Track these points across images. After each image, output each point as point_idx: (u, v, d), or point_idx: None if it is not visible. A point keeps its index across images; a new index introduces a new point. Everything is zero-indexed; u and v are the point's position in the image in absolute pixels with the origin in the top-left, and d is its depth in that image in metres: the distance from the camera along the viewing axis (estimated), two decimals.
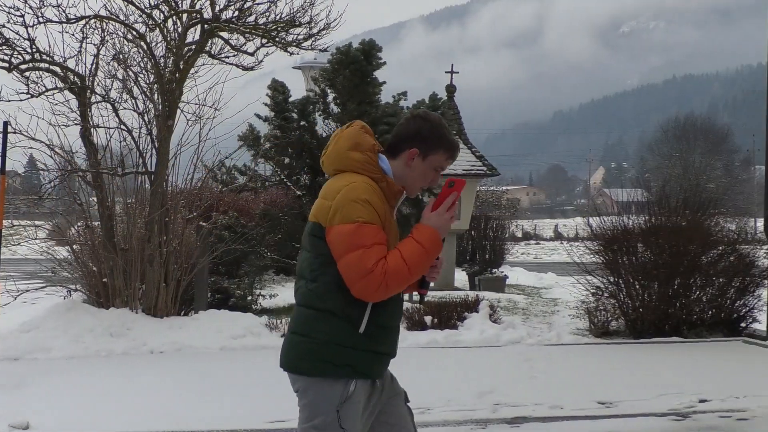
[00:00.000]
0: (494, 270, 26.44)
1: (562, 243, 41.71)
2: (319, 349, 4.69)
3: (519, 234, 65.98)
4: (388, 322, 4.77)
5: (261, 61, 16.02)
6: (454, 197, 4.74)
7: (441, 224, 4.70)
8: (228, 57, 15.84)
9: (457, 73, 27.01)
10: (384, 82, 19.56)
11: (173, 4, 15.21)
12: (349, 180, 4.74)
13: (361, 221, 4.61)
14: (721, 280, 15.36)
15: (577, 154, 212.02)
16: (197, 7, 15.37)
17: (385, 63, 19.69)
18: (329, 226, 4.66)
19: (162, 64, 15.13)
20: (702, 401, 9.65)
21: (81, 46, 14.70)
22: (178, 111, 15.22)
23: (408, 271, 4.60)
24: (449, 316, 14.80)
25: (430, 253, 4.66)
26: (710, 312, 15.28)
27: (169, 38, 15.16)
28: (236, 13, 15.45)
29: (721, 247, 15.67)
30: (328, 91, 19.55)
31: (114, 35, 15.13)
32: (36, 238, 15.44)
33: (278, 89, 19.53)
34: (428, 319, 14.72)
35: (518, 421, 8.83)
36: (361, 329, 4.66)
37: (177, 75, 15.01)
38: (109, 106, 15.06)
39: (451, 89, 26.31)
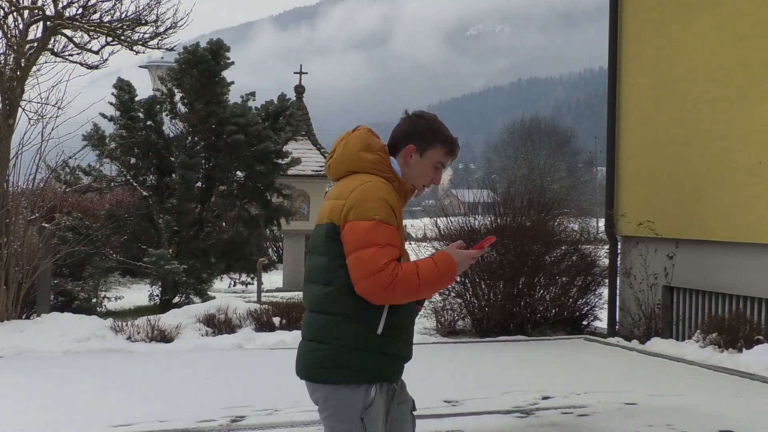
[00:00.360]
0: None
1: (410, 243, 41.92)
2: (338, 356, 4.61)
3: None
4: (403, 323, 4.71)
5: (106, 59, 15.80)
6: (482, 251, 4.82)
7: (461, 260, 4.68)
8: (72, 55, 15.57)
9: (306, 73, 27.05)
10: (232, 82, 19.41)
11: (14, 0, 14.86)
12: (363, 179, 4.71)
13: (378, 219, 4.58)
14: (564, 279, 15.73)
15: None
16: (39, 3, 15.05)
17: (233, 63, 19.54)
18: (343, 223, 4.62)
19: (2, 62, 14.77)
20: (545, 398, 9.86)
21: None
22: (20, 110, 14.87)
23: (418, 285, 4.56)
24: (298, 317, 14.79)
25: (443, 278, 4.63)
26: (553, 310, 15.63)
27: (9, 35, 14.80)
28: (80, 10, 15.20)
29: (564, 247, 16.04)
30: (176, 90, 19.32)
31: None
32: None
33: (124, 88, 19.20)
34: (277, 320, 14.68)
35: None
36: (378, 331, 4.60)
37: (18, 73, 14.68)
38: None
39: (300, 90, 26.31)
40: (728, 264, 13.80)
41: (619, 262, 16.17)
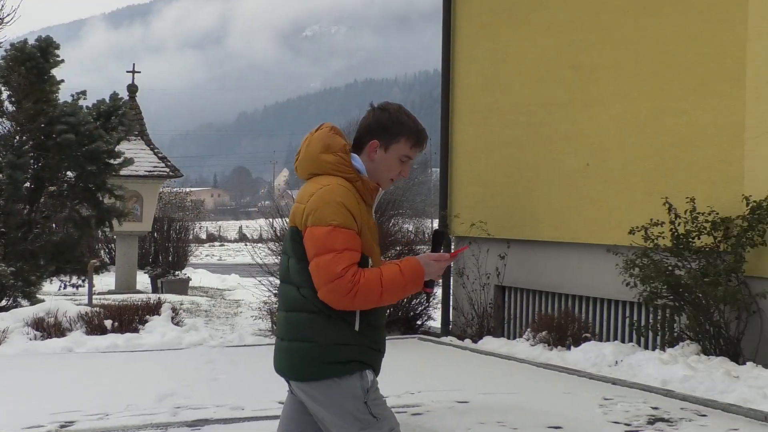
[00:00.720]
0: (177, 272, 26.28)
1: (246, 245, 41.85)
2: (324, 352, 4.59)
3: (203, 236, 65.62)
4: (377, 321, 4.69)
5: None
6: (454, 258, 4.75)
7: (428, 264, 4.63)
8: None
9: (139, 72, 26.68)
10: (62, 81, 18.99)
11: None
12: (323, 183, 4.66)
13: (335, 224, 4.54)
14: None
15: (261, 156, 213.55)
16: None
17: (63, 61, 19.11)
18: (304, 228, 4.60)
19: None
20: None
21: None
22: None
23: (381, 292, 4.53)
24: (130, 319, 14.54)
25: (408, 285, 4.59)
26: (388, 311, 15.73)
27: None
28: None
29: (398, 248, 16.15)
30: (3, 88, 18.80)
31: None
32: None
33: None
34: (108, 323, 14.41)
35: (199, 423, 8.78)
36: (356, 327, 4.59)
37: None
38: None
39: (132, 89, 25.93)
40: (557, 263, 14.13)
41: (452, 262, 16.37)
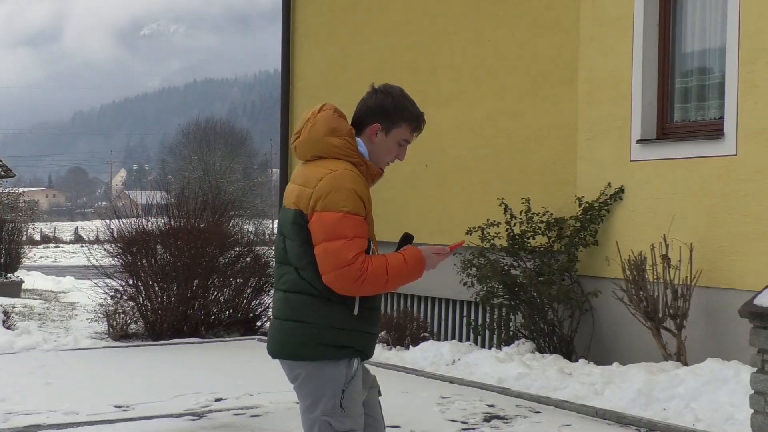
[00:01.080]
0: (10, 274, 25.56)
1: (82, 246, 41.04)
2: (321, 334, 4.63)
3: (37, 237, 64.02)
4: (375, 303, 4.76)
5: None
6: (450, 252, 4.83)
7: (429, 256, 4.73)
8: None
9: None
10: None
11: None
12: (331, 167, 4.66)
13: (345, 211, 4.56)
14: (238, 280, 15.73)
15: (98, 156, 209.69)
16: None
17: None
18: (311, 212, 4.61)
19: None
20: (218, 400, 9.82)
21: None
22: None
23: (386, 280, 4.60)
24: None
25: (411, 274, 4.66)
26: (228, 312, 15.60)
27: None
28: None
29: (238, 249, 16.05)
30: None
31: None
32: None
33: None
34: None
35: (32, 429, 8.53)
36: (355, 312, 4.65)
37: None
38: None
39: None
40: None
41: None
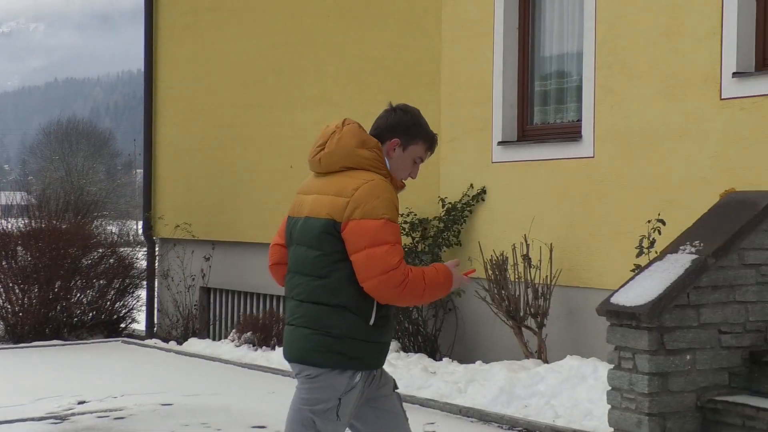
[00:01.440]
0: None
1: None
2: (335, 343, 4.70)
3: None
4: (389, 313, 4.83)
5: None
6: (466, 277, 4.93)
7: (456, 277, 4.82)
8: None
9: None
10: None
11: None
12: (365, 177, 4.75)
13: (386, 218, 4.65)
14: (101, 282, 15.49)
15: None
16: None
17: None
18: (346, 221, 4.65)
19: None
20: (81, 402, 9.64)
21: None
22: None
23: (423, 288, 4.69)
24: None
25: (441, 288, 4.76)
26: (91, 314, 15.34)
27: None
28: None
29: (101, 250, 15.80)
30: None
31: None
32: None
33: None
34: None
35: None
36: (371, 321, 4.70)
37: None
38: None
39: None
40: (261, 264, 14.12)
41: (157, 264, 16.20)
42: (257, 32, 14.38)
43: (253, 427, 8.61)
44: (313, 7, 13.55)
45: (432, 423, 8.72)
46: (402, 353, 11.28)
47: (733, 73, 8.81)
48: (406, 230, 11.64)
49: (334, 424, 4.79)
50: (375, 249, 4.62)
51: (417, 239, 11.66)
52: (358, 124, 4.98)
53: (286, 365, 11.49)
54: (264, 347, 12.66)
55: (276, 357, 11.96)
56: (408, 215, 11.70)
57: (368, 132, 4.99)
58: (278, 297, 14.07)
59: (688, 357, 6.74)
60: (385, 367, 10.62)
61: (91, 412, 9.23)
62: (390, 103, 5.14)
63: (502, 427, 8.47)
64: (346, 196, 4.71)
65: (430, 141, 5.02)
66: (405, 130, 4.96)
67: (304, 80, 13.63)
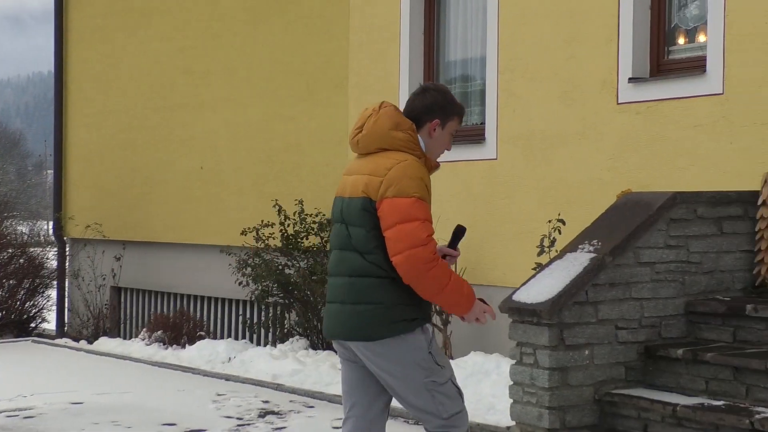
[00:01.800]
0: None
1: None
2: (391, 312, 4.91)
3: None
4: None
5: None
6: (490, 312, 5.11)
7: (478, 307, 5.05)
8: None
9: None
10: None
11: None
12: (398, 158, 4.94)
13: (417, 197, 4.84)
14: (11, 282, 15.24)
15: None
16: None
17: None
18: (381, 200, 4.86)
19: None
20: None
21: None
22: None
23: (447, 283, 4.89)
24: None
25: (464, 298, 4.97)
26: (0, 313, 15.08)
27: None
28: None
29: (11, 250, 15.54)
30: None
31: None
32: None
33: None
34: None
35: None
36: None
37: None
38: None
39: None
40: (173, 264, 14.06)
41: (68, 264, 15.98)
42: (168, 35, 14.25)
43: (164, 424, 8.52)
44: (223, 12, 13.46)
45: (340, 419, 8.68)
46: (311, 350, 11.26)
47: (629, 79, 8.95)
48: (315, 230, 11.61)
49: (443, 371, 5.05)
50: (406, 225, 4.82)
51: (325, 239, 11.61)
52: (394, 106, 5.14)
53: (197, 363, 11.50)
54: (174, 345, 12.54)
55: (186, 355, 11.87)
56: (317, 215, 11.66)
57: (403, 114, 5.14)
58: (189, 296, 13.98)
59: (586, 352, 6.81)
60: (295, 364, 10.65)
61: (1, 412, 9.06)
62: (420, 84, 5.51)
63: (408, 422, 8.47)
64: (380, 175, 4.91)
65: (462, 114, 5.26)
66: (442, 109, 5.15)
67: (214, 82, 13.54)
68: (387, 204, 4.86)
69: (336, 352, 5.35)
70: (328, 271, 5.19)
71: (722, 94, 8.22)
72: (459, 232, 5.24)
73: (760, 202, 7.26)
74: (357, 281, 4.98)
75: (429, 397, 5.04)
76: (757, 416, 6.01)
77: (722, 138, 8.23)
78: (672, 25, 9.02)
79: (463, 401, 5.17)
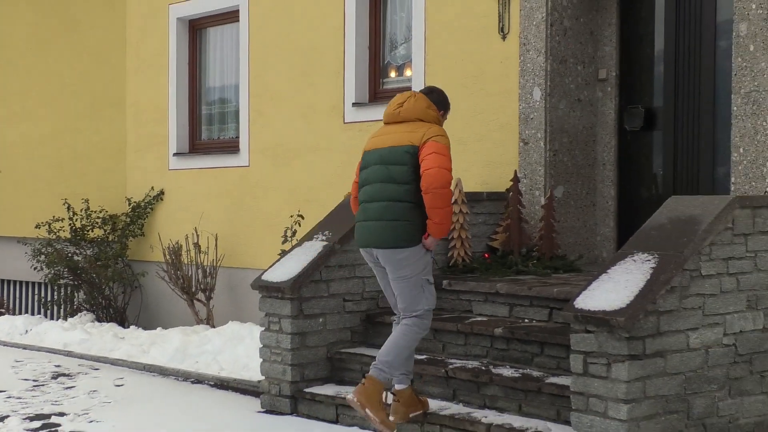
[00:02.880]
0: None
1: None
2: (414, 229, 5.68)
3: None
4: None
5: None
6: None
7: (439, 240, 5.91)
8: None
9: None
10: None
11: None
12: (433, 125, 5.81)
13: (446, 144, 5.71)
14: None
15: None
16: None
17: None
18: (424, 142, 5.65)
19: None
20: None
21: None
22: None
23: (449, 204, 5.81)
24: None
25: (445, 226, 5.74)
26: None
27: None
28: None
29: None
30: None
31: None
32: None
33: None
34: None
35: None
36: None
37: None
38: None
39: None
40: None
41: None
42: None
43: None
44: (17, 41, 12.70)
45: (121, 378, 8.42)
46: (97, 323, 10.86)
47: (353, 104, 9.08)
48: (99, 224, 11.25)
49: (431, 273, 5.88)
50: (440, 156, 5.59)
51: (108, 231, 11.27)
52: (423, 95, 5.98)
53: (8, 336, 10.75)
54: None
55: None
56: (101, 212, 11.29)
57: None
58: None
59: (320, 320, 6.86)
60: (83, 335, 10.22)
61: None
62: (426, 87, 6.39)
63: (178, 380, 8.32)
64: (422, 131, 5.70)
65: (450, 108, 6.14)
66: (443, 104, 6.02)
67: (10, 100, 12.78)
68: (430, 142, 5.62)
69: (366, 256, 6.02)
70: (364, 199, 5.86)
71: None
72: None
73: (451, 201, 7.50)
74: (394, 204, 5.67)
75: (421, 290, 5.76)
76: (450, 366, 6.22)
77: None
78: (385, 62, 9.20)
79: (435, 304, 5.91)
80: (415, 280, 5.72)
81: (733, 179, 6.65)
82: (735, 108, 6.61)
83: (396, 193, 5.67)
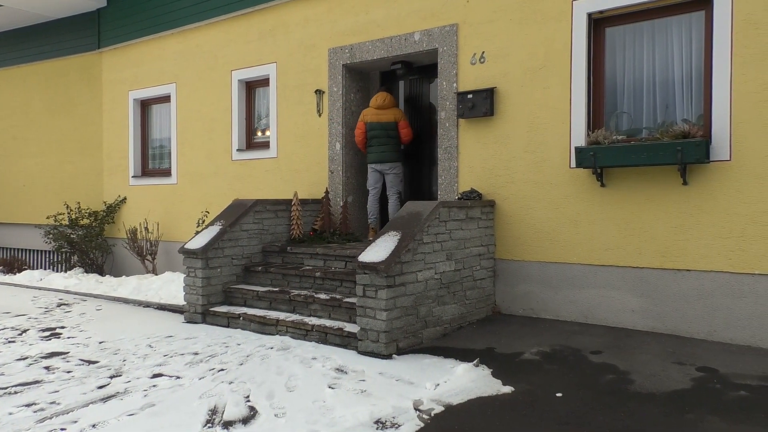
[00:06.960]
0: None
1: None
2: (397, 155, 6.41)
3: None
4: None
5: None
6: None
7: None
8: None
9: None
10: None
11: None
12: (398, 110, 6.40)
13: (407, 121, 6.42)
14: None
15: None
16: None
17: None
18: (399, 120, 6.36)
19: None
20: None
21: None
22: None
23: (409, 139, 6.62)
24: None
25: (408, 141, 6.66)
26: None
27: None
28: None
29: None
30: None
31: None
32: None
33: None
34: None
35: None
36: (401, 147, 6.48)
37: None
38: None
39: None
40: (9, 232, 11.52)
41: None
42: (4, 115, 11.58)
43: (3, 312, 6.91)
44: (35, 108, 11.19)
45: (100, 305, 7.60)
46: (85, 274, 9.78)
47: (237, 149, 8.59)
48: (87, 216, 10.08)
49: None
50: (408, 128, 6.43)
51: (93, 221, 10.11)
52: (389, 94, 6.45)
53: (22, 282, 9.46)
54: (9, 274, 10.33)
55: (17, 278, 9.77)
56: (87, 209, 10.14)
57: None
58: (18, 249, 11.53)
59: (219, 270, 6.45)
60: (76, 281, 9.06)
61: None
62: (385, 88, 6.60)
63: (135, 305, 7.59)
64: (398, 114, 6.35)
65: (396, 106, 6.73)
66: (395, 101, 6.56)
67: (30, 143, 11.24)
68: (402, 121, 6.37)
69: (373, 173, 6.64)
70: (374, 144, 6.46)
71: (276, 157, 8.12)
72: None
73: (293, 204, 7.26)
74: (389, 149, 6.40)
75: (399, 182, 6.51)
76: (291, 294, 6.01)
77: (276, 176, 8.14)
78: (254, 127, 8.76)
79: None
80: (401, 177, 6.60)
81: (439, 192, 6.77)
82: (439, 155, 6.72)
83: (393, 140, 6.50)
